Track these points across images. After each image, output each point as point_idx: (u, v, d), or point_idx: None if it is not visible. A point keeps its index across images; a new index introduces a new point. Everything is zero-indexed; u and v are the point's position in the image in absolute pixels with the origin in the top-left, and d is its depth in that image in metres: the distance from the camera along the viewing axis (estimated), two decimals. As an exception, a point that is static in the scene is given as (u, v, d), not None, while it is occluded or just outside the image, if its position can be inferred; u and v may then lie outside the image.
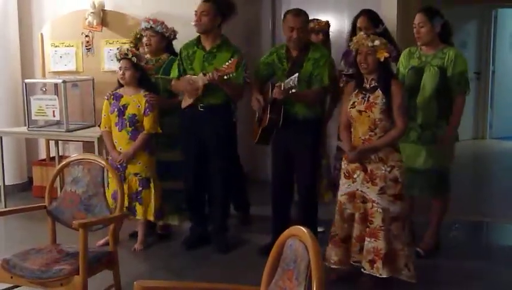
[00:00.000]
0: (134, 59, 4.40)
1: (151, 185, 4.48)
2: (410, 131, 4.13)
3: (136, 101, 4.40)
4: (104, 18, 5.93)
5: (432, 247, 4.41)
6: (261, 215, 5.27)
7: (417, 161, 4.19)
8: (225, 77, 4.16)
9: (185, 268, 4.34)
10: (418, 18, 4.19)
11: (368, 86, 3.71)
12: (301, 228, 1.97)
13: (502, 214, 5.57)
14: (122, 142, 4.43)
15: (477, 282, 3.97)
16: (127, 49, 4.48)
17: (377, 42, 3.62)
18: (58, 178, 5.81)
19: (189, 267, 4.35)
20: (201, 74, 4.32)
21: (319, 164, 4.56)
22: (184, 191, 4.73)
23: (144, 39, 4.79)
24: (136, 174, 4.41)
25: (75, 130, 5.56)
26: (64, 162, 3.47)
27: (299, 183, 4.43)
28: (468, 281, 3.97)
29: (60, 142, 6.15)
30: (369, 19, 4.71)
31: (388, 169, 3.65)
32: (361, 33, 3.76)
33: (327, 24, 5.17)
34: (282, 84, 3.97)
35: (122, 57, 4.40)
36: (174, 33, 4.90)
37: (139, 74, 4.44)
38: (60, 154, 6.13)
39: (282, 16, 4.37)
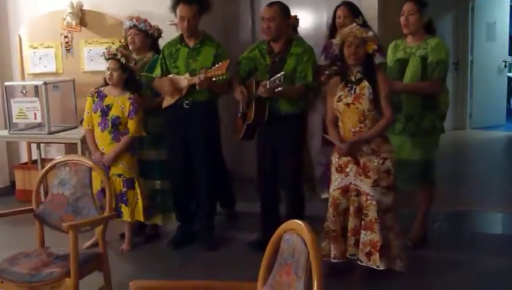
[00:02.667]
0: (123, 60, 4.34)
1: (136, 185, 4.44)
2: (396, 122, 4.13)
3: (120, 102, 4.34)
4: (82, 18, 5.87)
5: (419, 238, 4.44)
6: (246, 211, 5.29)
7: (403, 152, 4.20)
8: (214, 79, 4.14)
9: (174, 267, 4.32)
10: (408, 6, 4.19)
11: (353, 78, 3.71)
12: (298, 221, 1.96)
13: (484, 203, 5.62)
14: (104, 142, 4.38)
15: (465, 272, 4.00)
16: (116, 49, 4.42)
17: (370, 33, 3.64)
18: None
19: (177, 266, 4.33)
20: (187, 74, 4.29)
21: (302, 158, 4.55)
22: (170, 190, 4.70)
23: (129, 38, 4.74)
24: (119, 175, 4.37)
25: (57, 132, 5.50)
26: (50, 164, 3.42)
27: (284, 178, 4.42)
28: (456, 271, 4.01)
29: (41, 144, 6.06)
30: (350, 9, 4.74)
31: (381, 161, 3.66)
32: (353, 24, 3.73)
33: (294, 18, 5.19)
34: (268, 83, 3.94)
35: (111, 57, 4.34)
36: (158, 31, 4.85)
37: (127, 75, 4.38)
38: (42, 157, 6.05)
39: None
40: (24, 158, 6.43)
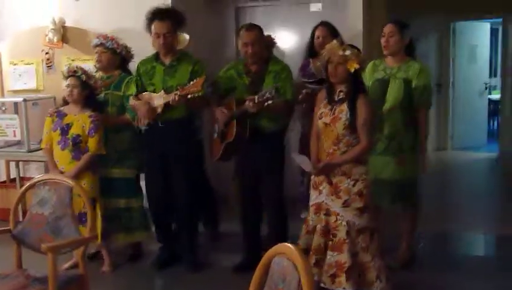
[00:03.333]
0: (84, 77, 4.27)
1: (97, 205, 4.28)
2: (378, 142, 4.14)
3: (80, 121, 4.25)
4: (64, 34, 5.78)
5: (406, 260, 4.39)
6: (229, 231, 5.21)
7: (385, 171, 4.18)
8: (189, 96, 4.07)
9: (158, 289, 4.22)
10: (388, 28, 4.20)
11: (336, 97, 3.65)
12: (288, 245, 1.89)
13: (466, 224, 5.62)
14: (64, 161, 4.26)
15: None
16: (76, 66, 4.36)
17: (348, 52, 3.54)
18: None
19: (162, 287, 4.27)
20: (162, 92, 4.23)
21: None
22: (150, 210, 4.60)
23: (96, 56, 4.66)
24: (80, 196, 4.20)
25: (36, 150, 5.38)
26: (29, 183, 3.32)
27: (267, 196, 4.36)
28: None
29: (20, 163, 5.93)
30: (328, 29, 4.73)
31: (352, 183, 3.59)
32: (334, 41, 3.69)
33: (269, 38, 5.18)
34: (256, 97, 3.90)
35: (71, 74, 4.27)
36: (126, 49, 4.78)
37: (87, 93, 4.30)
38: (21, 175, 5.91)
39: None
40: (1, 176, 6.28)
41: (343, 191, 3.58)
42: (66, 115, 4.31)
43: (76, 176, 4.14)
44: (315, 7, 6.11)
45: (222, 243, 5.14)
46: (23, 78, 5.92)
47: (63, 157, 4.27)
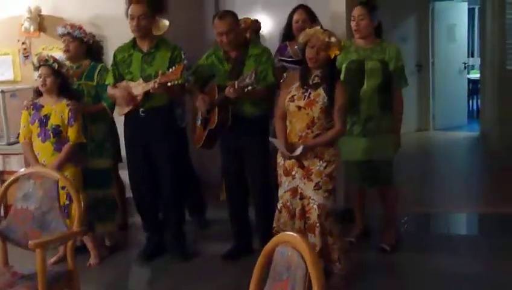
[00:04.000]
0: (56, 65, 4.15)
1: (80, 197, 4.18)
2: (354, 125, 4.17)
3: (58, 111, 4.14)
4: (41, 23, 5.62)
5: (393, 240, 4.40)
6: (215, 219, 5.16)
7: (361, 152, 4.20)
8: (169, 84, 3.98)
9: (147, 280, 4.20)
10: (358, 11, 4.20)
11: (310, 81, 3.63)
12: (293, 234, 1.84)
13: (448, 204, 5.63)
14: (45, 154, 4.16)
15: (438, 274, 3.97)
16: (47, 55, 4.25)
17: (333, 39, 3.55)
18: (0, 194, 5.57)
19: (151, 279, 4.22)
20: (140, 80, 4.14)
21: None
22: (134, 200, 4.55)
23: (65, 44, 4.55)
24: (63, 188, 3.88)
25: (17, 143, 5.24)
26: (13, 177, 3.21)
27: (252, 181, 4.31)
28: (429, 273, 3.98)
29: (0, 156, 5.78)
30: (307, 13, 4.67)
31: (324, 164, 3.61)
32: (318, 27, 3.66)
33: (254, 22, 5.10)
34: (236, 83, 3.84)
35: (43, 63, 4.15)
36: (92, 38, 4.69)
37: (60, 81, 4.19)
38: (1, 169, 5.77)
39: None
40: (-19, 170, 6.13)
41: (315, 173, 3.59)
42: (42, 106, 4.19)
43: (60, 168, 4.04)
44: (297, -9, 6.00)
45: (209, 231, 5.09)
46: (0, 69, 5.75)
47: (44, 149, 4.16)
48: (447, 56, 9.74)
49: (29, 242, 2.77)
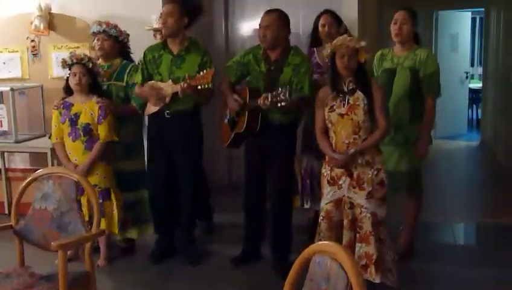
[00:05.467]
0: (90, 64, 4.16)
1: (112, 196, 4.24)
2: None
3: (88, 109, 4.14)
4: (51, 21, 5.59)
5: (407, 250, 4.39)
6: (222, 223, 5.15)
7: (390, 162, 4.15)
8: (199, 88, 3.96)
9: (156, 283, 4.16)
10: (401, 14, 4.13)
11: (345, 88, 3.62)
12: (332, 244, 1.83)
13: (454, 214, 5.64)
14: (77, 153, 4.16)
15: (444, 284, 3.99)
16: (83, 54, 4.24)
17: (362, 43, 3.55)
18: (6, 192, 5.54)
19: (159, 281, 4.18)
20: (170, 81, 4.11)
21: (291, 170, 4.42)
22: (149, 201, 4.51)
23: (97, 43, 4.50)
24: (94, 186, 4.09)
25: (24, 141, 5.23)
26: (31, 177, 3.18)
27: (273, 189, 4.24)
28: (444, 284, 3.99)
29: (5, 153, 5.75)
30: (333, 17, 4.66)
31: (375, 172, 3.59)
32: (345, 35, 3.64)
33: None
34: (270, 96, 3.72)
35: (79, 61, 4.14)
36: (127, 36, 4.66)
37: (92, 80, 4.19)
38: (5, 166, 5.74)
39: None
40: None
41: (367, 181, 3.56)
42: (72, 105, 4.18)
43: (91, 167, 4.07)
44: (306, -6, 6.00)
45: (216, 235, 5.06)
46: (8, 67, 5.71)
47: (75, 148, 4.16)
48: (449, 65, 9.73)
49: (52, 243, 2.75)
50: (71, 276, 2.93)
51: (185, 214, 4.40)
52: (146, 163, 4.58)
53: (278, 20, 4.01)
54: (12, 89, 5.21)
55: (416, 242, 4.51)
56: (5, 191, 5.58)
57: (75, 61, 4.14)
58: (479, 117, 10.55)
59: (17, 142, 5.24)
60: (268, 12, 4.06)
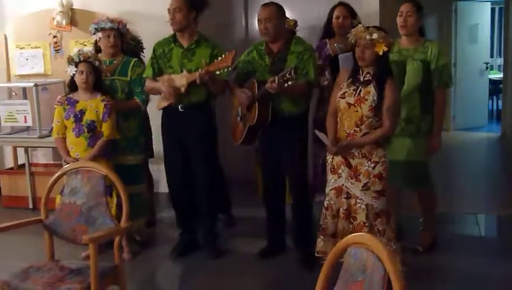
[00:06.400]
0: (96, 62, 4.18)
1: (113, 193, 4.15)
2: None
3: (93, 106, 4.15)
4: (72, 17, 5.65)
5: (429, 242, 4.37)
6: (242, 216, 5.17)
7: (401, 153, 4.15)
8: (217, 72, 3.98)
9: (180, 277, 4.19)
10: (406, 7, 4.12)
11: (361, 78, 3.61)
12: (367, 235, 1.84)
13: (475, 206, 5.60)
14: (79, 148, 4.17)
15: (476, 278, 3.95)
16: (90, 52, 4.26)
17: (375, 35, 3.49)
18: (30, 187, 5.60)
19: (184, 275, 4.21)
20: (184, 72, 4.12)
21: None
22: (171, 197, 4.54)
23: (108, 40, 4.45)
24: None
25: (48, 136, 5.28)
26: (60, 171, 3.22)
27: (291, 181, 4.30)
28: (468, 276, 3.96)
29: (29, 149, 5.82)
30: (347, 9, 4.65)
31: (372, 165, 3.58)
32: (360, 25, 3.63)
33: (295, 24, 5.09)
34: (276, 78, 3.77)
35: (86, 59, 4.15)
36: (131, 35, 4.74)
37: (96, 78, 4.21)
38: (29, 161, 5.80)
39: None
40: (8, 163, 6.17)
41: (363, 173, 3.57)
42: (77, 101, 4.20)
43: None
44: (324, -12, 5.98)
45: (237, 228, 5.08)
46: (30, 63, 5.79)
47: (77, 144, 4.17)
48: (468, 56, 9.70)
49: (83, 237, 2.78)
50: (100, 269, 2.96)
51: (204, 207, 4.42)
52: (156, 157, 4.58)
53: (277, 12, 4.06)
54: (36, 85, 5.26)
55: (439, 234, 4.49)
56: (29, 185, 5.64)
57: (82, 59, 4.15)
58: (499, 108, 10.45)
59: (40, 137, 5.29)
60: (265, 5, 4.09)
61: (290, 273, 4.07)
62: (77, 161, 4.09)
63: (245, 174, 6.16)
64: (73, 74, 4.17)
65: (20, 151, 5.88)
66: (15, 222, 3.12)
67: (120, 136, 4.30)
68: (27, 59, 5.78)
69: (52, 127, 4.35)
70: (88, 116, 4.14)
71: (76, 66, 4.15)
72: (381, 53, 3.53)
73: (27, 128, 5.48)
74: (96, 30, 4.48)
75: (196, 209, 4.48)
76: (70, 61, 4.18)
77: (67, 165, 3.26)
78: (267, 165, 4.37)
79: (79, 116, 4.15)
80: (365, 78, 3.60)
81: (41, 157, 6.10)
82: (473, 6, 9.82)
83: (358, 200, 3.58)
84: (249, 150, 5.70)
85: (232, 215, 5.20)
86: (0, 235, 3.07)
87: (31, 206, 5.65)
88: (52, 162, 6.09)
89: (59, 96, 4.32)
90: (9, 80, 5.88)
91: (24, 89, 5.51)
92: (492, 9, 10.94)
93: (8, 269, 3.05)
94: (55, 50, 5.73)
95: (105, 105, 4.15)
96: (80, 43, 5.63)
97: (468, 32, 9.75)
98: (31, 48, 5.78)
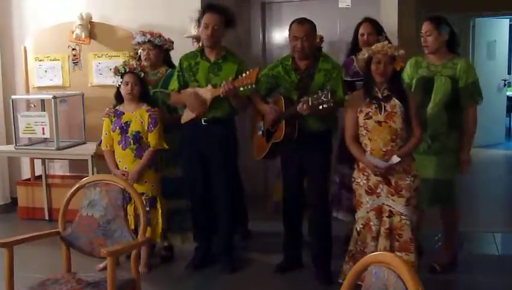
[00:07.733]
0: (142, 74, 4.22)
1: (158, 204, 4.27)
2: (421, 142, 4.03)
3: (138, 117, 4.19)
4: (92, 30, 5.68)
5: (447, 261, 4.31)
6: (258, 230, 5.15)
7: (427, 171, 4.07)
8: (241, 89, 3.98)
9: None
10: (425, 27, 4.11)
11: (380, 95, 3.61)
12: (389, 254, 1.80)
13: (494, 224, 5.55)
14: (126, 161, 4.21)
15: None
16: (135, 63, 4.28)
17: (401, 52, 3.54)
18: (46, 199, 5.62)
19: (203, 288, 4.16)
20: (209, 86, 4.14)
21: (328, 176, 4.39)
22: (190, 209, 4.52)
23: (143, 53, 4.55)
24: (142, 194, 4.13)
25: (65, 148, 5.30)
26: (78, 184, 3.22)
27: (312, 197, 4.21)
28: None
29: (46, 160, 5.85)
30: (373, 26, 4.64)
31: (412, 179, 3.60)
32: (385, 42, 3.64)
33: (321, 40, 5.09)
34: (310, 99, 3.74)
35: (131, 70, 4.18)
36: (171, 44, 4.72)
37: (142, 89, 4.24)
38: (46, 173, 5.83)
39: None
40: (25, 174, 6.20)
41: (405, 188, 3.57)
42: (123, 113, 4.23)
43: (140, 174, 4.12)
44: (343, 3, 5.94)
45: (252, 242, 5.05)
46: (49, 75, 5.83)
47: (125, 157, 4.21)
48: (486, 73, 9.58)
49: (102, 250, 2.77)
50: (117, 283, 2.95)
51: (222, 221, 4.40)
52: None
53: (312, 30, 4.06)
54: (54, 97, 5.29)
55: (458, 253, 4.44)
56: (45, 197, 5.66)
57: (127, 70, 4.17)
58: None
59: (58, 149, 5.31)
60: (301, 22, 4.05)
61: (307, 288, 4.04)
62: (124, 174, 4.14)
63: (260, 187, 6.15)
64: (119, 85, 4.20)
65: (37, 163, 5.91)
66: (33, 234, 3.12)
67: (167, 147, 4.29)
68: (46, 71, 5.82)
69: (101, 140, 4.39)
70: (133, 128, 4.17)
71: (122, 77, 4.18)
72: (398, 69, 3.61)
73: (45, 140, 5.51)
74: (135, 46, 4.59)
75: (215, 222, 4.47)
76: (116, 72, 4.21)
77: (86, 178, 3.26)
78: (288, 181, 4.31)
79: (124, 128, 4.19)
80: (384, 94, 3.61)
81: (58, 169, 6.12)
82: (491, 23, 9.78)
83: (403, 217, 3.56)
84: (270, 166, 5.71)
85: (247, 229, 5.19)
86: (17, 246, 3.07)
87: (47, 217, 5.67)
88: (68, 173, 6.11)
89: (107, 109, 4.35)
90: (27, 91, 5.92)
91: (42, 100, 5.55)
92: (511, 26, 10.88)
93: (25, 281, 3.06)
94: (74, 63, 5.76)
95: (150, 115, 4.17)
96: (98, 56, 5.67)
97: (486, 48, 9.71)
98: (50, 60, 5.82)
